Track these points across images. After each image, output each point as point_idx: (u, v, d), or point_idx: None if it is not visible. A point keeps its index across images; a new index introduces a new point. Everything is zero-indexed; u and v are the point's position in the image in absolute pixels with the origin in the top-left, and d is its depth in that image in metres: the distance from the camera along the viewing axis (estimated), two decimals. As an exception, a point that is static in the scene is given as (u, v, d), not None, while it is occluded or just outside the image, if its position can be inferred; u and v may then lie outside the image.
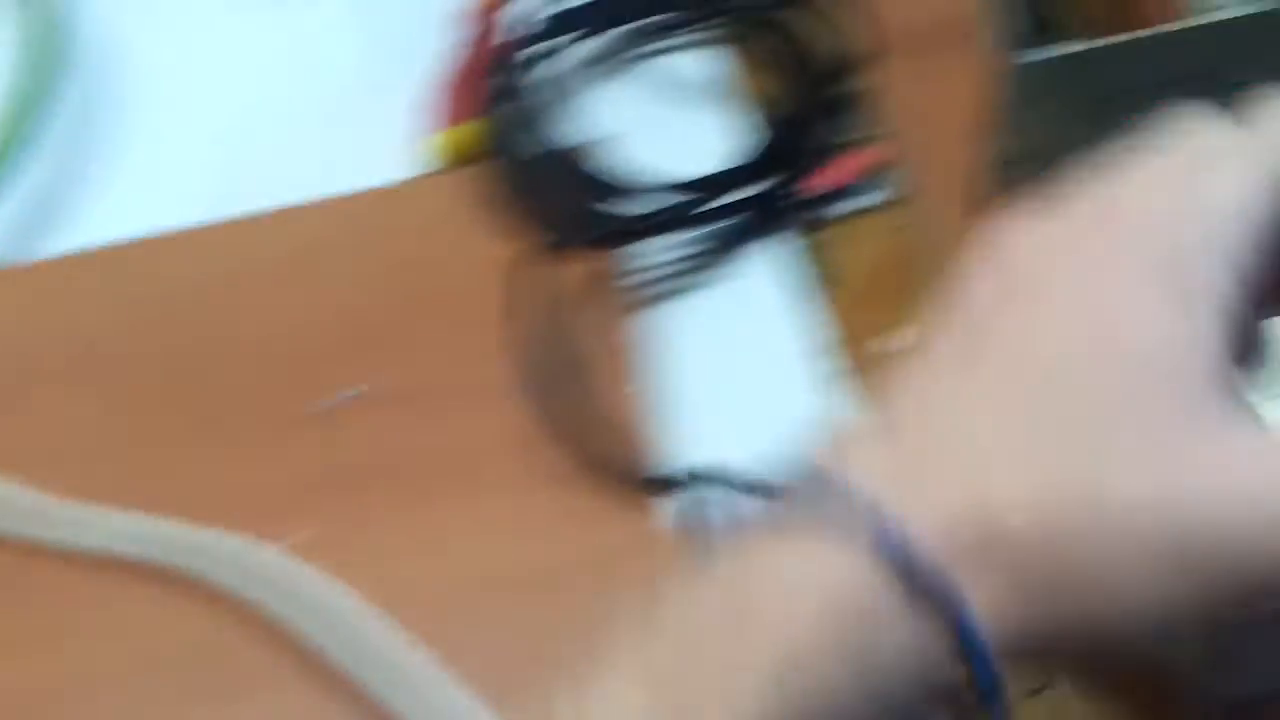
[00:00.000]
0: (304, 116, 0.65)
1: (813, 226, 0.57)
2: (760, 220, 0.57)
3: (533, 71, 0.62)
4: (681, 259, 0.57)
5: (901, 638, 0.25)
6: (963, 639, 0.24)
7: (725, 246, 0.57)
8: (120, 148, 0.64)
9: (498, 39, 0.62)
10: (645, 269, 0.57)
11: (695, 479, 0.50)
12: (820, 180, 0.57)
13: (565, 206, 0.58)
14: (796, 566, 0.26)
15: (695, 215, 0.56)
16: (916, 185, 0.56)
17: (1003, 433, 0.24)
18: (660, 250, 0.57)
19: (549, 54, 0.62)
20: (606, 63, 0.64)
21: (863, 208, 0.57)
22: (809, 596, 0.25)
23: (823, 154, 0.58)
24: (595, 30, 0.63)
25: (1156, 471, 0.23)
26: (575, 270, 0.56)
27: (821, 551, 0.25)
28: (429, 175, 0.61)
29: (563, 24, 0.63)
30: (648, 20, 0.64)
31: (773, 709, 0.25)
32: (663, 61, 0.64)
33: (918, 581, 0.24)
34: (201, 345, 0.57)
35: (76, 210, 0.61)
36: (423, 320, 0.56)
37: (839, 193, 0.57)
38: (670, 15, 0.63)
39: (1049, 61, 0.44)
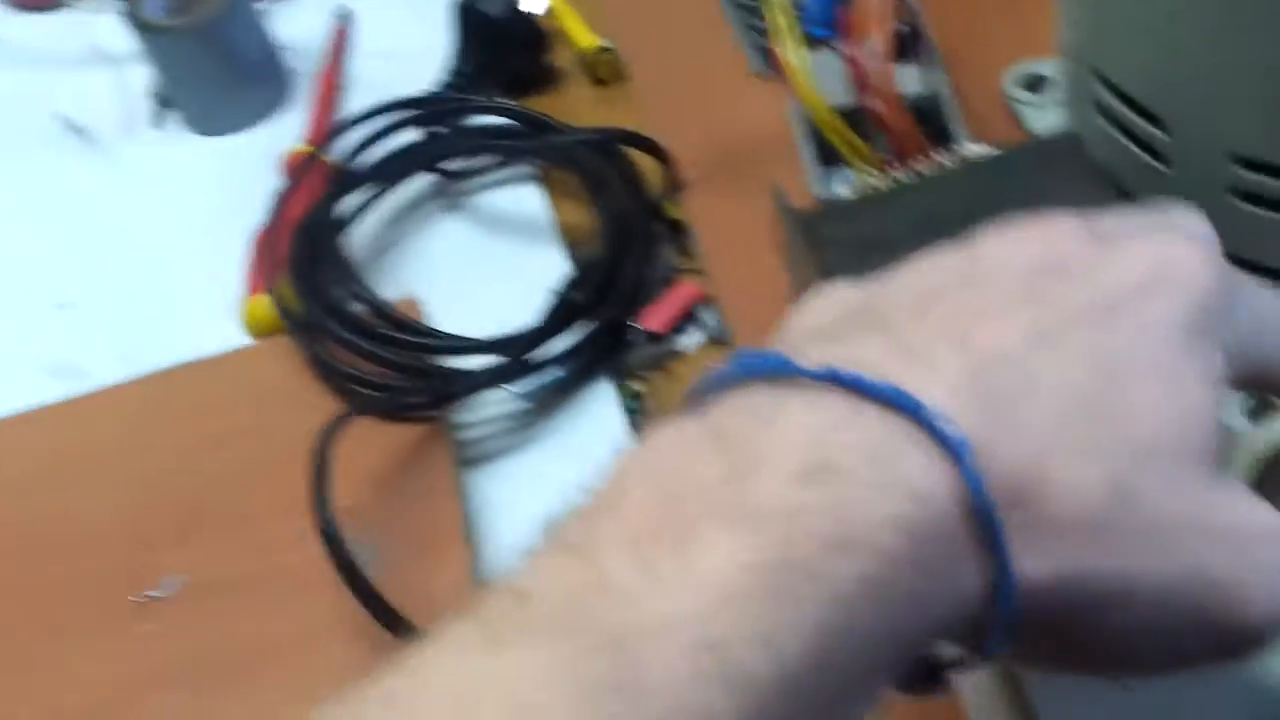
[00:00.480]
0: (137, 284, 0.63)
1: (642, 368, 0.55)
2: (588, 366, 0.55)
3: (346, 226, 0.60)
4: (510, 414, 0.55)
5: (955, 575, 0.25)
6: (999, 596, 0.25)
7: (554, 396, 0.55)
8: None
9: (309, 196, 0.60)
10: (474, 426, 0.55)
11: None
12: (645, 320, 0.56)
13: (388, 368, 0.55)
14: (882, 460, 0.24)
15: (521, 367, 0.54)
16: (734, 322, 0.54)
17: (1067, 420, 0.26)
18: (488, 406, 0.55)
19: (362, 206, 0.61)
20: (422, 209, 0.62)
21: (690, 346, 0.55)
22: (897, 500, 0.24)
23: (644, 292, 0.56)
24: (406, 176, 0.62)
25: (1181, 498, 0.26)
26: (402, 434, 0.54)
27: (906, 456, 0.24)
28: (253, 344, 0.59)
29: (376, 173, 0.61)
30: (459, 164, 0.62)
31: (861, 618, 0.24)
32: (477, 205, 0.62)
33: (986, 527, 0.24)
34: (22, 535, 0.54)
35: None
36: (246, 498, 0.54)
37: (666, 332, 0.55)
38: (480, 158, 0.62)
39: (836, 202, 0.43)
